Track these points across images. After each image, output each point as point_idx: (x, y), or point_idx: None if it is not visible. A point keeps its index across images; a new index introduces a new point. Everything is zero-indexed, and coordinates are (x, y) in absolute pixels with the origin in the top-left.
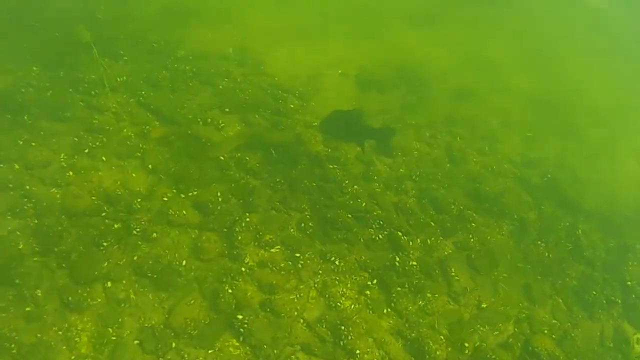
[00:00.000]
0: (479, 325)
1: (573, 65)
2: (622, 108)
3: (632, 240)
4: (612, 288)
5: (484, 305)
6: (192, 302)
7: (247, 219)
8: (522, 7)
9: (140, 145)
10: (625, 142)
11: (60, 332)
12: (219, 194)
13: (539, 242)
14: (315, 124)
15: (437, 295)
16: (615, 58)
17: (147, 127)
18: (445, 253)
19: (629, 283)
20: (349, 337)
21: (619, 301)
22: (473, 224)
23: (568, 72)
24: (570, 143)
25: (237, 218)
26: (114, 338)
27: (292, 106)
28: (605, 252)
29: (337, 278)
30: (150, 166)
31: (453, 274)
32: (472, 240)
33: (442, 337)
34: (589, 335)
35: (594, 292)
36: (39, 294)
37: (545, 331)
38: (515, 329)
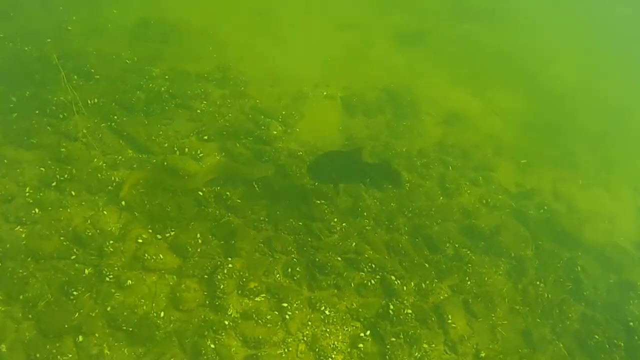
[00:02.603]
0: None
1: (568, 86)
2: (617, 131)
3: (633, 275)
4: (615, 330)
5: (482, 354)
6: (171, 359)
7: (230, 265)
8: (515, 24)
9: (113, 178)
10: (621, 168)
11: None
12: (198, 235)
13: (538, 282)
14: (300, 153)
15: (433, 345)
16: (608, 77)
17: (120, 157)
18: (441, 298)
19: (632, 324)
20: None
21: (622, 344)
22: (469, 265)
23: (564, 93)
24: (565, 171)
25: (219, 262)
26: None
27: (275, 132)
28: (606, 291)
29: (328, 329)
30: (123, 202)
31: (450, 320)
32: (468, 282)
33: None
34: None
35: (596, 336)
36: (4, 349)
37: None
38: None
